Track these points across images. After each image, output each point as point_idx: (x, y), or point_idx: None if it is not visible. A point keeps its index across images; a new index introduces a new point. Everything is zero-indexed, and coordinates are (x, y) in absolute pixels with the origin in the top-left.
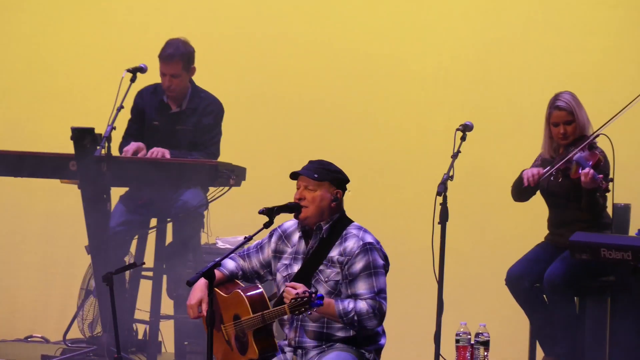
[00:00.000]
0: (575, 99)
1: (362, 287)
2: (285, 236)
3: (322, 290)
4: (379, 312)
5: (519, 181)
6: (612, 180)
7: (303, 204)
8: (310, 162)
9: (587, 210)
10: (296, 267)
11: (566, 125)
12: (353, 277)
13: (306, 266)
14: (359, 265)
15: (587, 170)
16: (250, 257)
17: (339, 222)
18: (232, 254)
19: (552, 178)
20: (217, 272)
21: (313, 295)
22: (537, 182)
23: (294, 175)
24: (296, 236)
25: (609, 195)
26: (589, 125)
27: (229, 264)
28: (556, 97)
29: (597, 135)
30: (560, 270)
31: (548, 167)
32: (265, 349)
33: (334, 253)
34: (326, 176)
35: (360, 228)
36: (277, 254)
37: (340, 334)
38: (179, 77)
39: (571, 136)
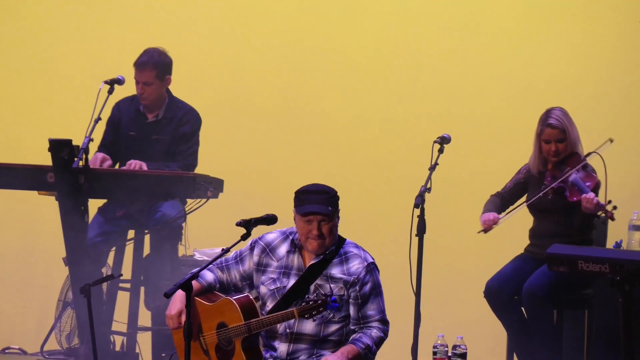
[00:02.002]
0: (566, 116)
1: (371, 308)
2: (269, 249)
3: None
4: (387, 331)
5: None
6: (615, 207)
7: (320, 238)
8: (308, 192)
9: (579, 229)
10: (286, 281)
11: (558, 143)
12: (364, 299)
13: (302, 280)
14: (368, 286)
15: (590, 196)
16: (229, 269)
17: (339, 240)
18: (210, 266)
19: (541, 194)
20: (195, 283)
21: (328, 298)
22: (491, 229)
23: (306, 212)
24: (282, 250)
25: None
26: (580, 142)
27: (207, 276)
28: (548, 114)
29: (589, 155)
30: (540, 282)
31: (502, 216)
32: (253, 357)
33: (335, 271)
34: (335, 205)
35: (357, 246)
36: (261, 266)
37: (331, 347)
38: (151, 85)
39: (562, 154)
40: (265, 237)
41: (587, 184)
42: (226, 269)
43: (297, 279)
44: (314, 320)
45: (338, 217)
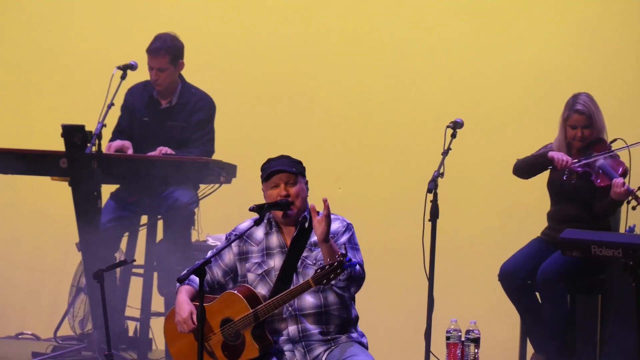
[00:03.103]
0: (593, 102)
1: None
2: (246, 236)
3: (311, 272)
4: (364, 276)
5: (537, 158)
6: None
7: (290, 200)
8: (272, 159)
9: (601, 214)
10: (271, 262)
11: (584, 129)
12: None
13: (289, 257)
14: (343, 238)
15: (620, 181)
16: (210, 268)
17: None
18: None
19: (564, 177)
20: (189, 288)
21: (343, 258)
22: (564, 170)
23: (269, 175)
24: (259, 234)
25: None
26: (605, 128)
27: (197, 280)
28: (575, 100)
29: (614, 141)
30: (555, 266)
31: (576, 161)
32: (265, 345)
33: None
34: (300, 168)
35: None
36: (243, 255)
37: (337, 322)
38: (165, 71)
39: (588, 139)
40: (239, 227)
41: (616, 169)
42: (209, 269)
43: (282, 257)
44: (318, 288)
45: (306, 187)
